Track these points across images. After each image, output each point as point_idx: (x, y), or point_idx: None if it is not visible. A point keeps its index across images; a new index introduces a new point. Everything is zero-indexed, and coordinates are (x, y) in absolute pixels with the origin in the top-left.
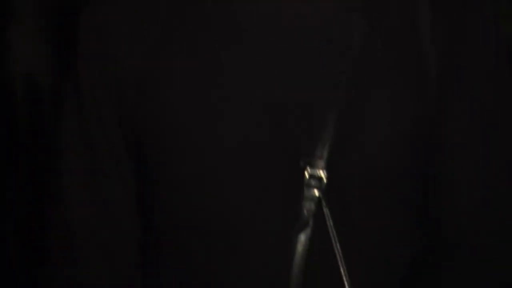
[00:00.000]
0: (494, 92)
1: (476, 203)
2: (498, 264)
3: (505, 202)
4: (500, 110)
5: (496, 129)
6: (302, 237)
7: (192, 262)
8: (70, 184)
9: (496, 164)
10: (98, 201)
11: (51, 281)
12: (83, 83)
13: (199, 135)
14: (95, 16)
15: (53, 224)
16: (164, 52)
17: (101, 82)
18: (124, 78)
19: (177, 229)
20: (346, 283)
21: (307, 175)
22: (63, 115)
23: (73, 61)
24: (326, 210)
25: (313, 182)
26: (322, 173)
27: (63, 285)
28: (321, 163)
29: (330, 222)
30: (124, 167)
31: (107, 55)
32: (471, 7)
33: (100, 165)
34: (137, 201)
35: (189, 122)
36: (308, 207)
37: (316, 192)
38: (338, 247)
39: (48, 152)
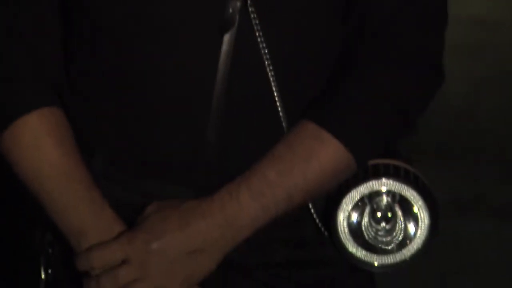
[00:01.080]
0: None
1: None
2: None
3: None
4: None
5: None
6: (227, 37)
7: (117, 55)
8: None
9: None
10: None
11: None
12: None
13: None
14: None
15: None
16: None
17: None
18: None
19: (102, 29)
20: (272, 82)
21: None
22: None
23: None
24: (251, 9)
25: None
26: None
27: None
28: None
29: (255, 21)
30: None
31: None
32: None
33: None
34: None
35: None
36: (233, 6)
37: None
38: (264, 46)
39: None
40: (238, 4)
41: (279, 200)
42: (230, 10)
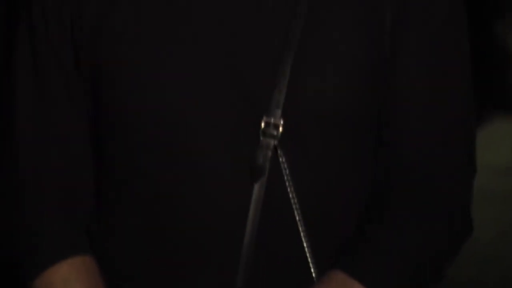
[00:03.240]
0: (445, 37)
1: (426, 141)
2: (444, 200)
3: (453, 138)
4: (450, 55)
5: (447, 73)
6: (257, 187)
7: (148, 201)
8: (21, 106)
9: (444, 104)
10: (48, 126)
11: None
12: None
13: (155, 75)
14: None
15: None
16: None
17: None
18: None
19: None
20: (302, 232)
21: (263, 124)
22: (16, 38)
23: None
24: (282, 159)
25: (269, 130)
26: (278, 121)
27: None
28: (278, 111)
29: (286, 171)
30: (75, 89)
31: None
32: None
33: (48, 83)
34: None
35: (144, 62)
36: (264, 155)
37: (272, 141)
38: (294, 196)
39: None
40: (269, 153)
41: None
42: (261, 159)
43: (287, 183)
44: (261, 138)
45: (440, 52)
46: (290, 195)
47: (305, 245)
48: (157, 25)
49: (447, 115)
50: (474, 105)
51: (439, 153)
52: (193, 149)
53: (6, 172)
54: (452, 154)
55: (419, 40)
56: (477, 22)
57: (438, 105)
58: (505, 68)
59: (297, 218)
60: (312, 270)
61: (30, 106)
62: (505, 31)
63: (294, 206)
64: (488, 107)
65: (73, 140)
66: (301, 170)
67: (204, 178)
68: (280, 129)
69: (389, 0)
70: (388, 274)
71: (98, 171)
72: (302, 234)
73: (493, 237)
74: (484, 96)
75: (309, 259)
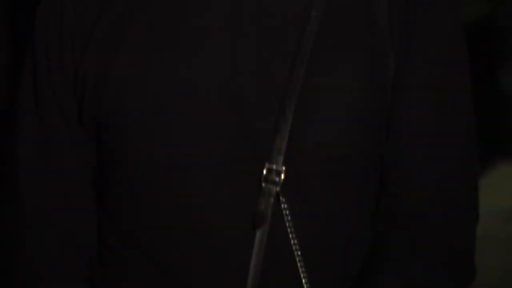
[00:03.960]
0: (448, 81)
1: (428, 186)
2: (443, 241)
3: (455, 183)
4: (453, 102)
5: (449, 119)
6: (259, 233)
7: (150, 248)
8: (24, 152)
9: (447, 149)
10: (52, 173)
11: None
12: (39, 55)
13: (158, 124)
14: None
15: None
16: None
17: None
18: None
19: (138, 221)
20: (303, 279)
21: (265, 170)
22: (20, 88)
23: (30, 40)
24: (284, 205)
25: (271, 177)
26: (280, 168)
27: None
28: (280, 158)
29: (288, 218)
30: (78, 139)
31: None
32: None
33: (52, 133)
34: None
35: (147, 110)
36: (266, 202)
37: (274, 187)
38: (296, 242)
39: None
40: (271, 200)
41: None
42: (263, 206)
43: (289, 229)
44: (263, 184)
45: (443, 99)
46: (292, 242)
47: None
48: (160, 73)
49: (450, 160)
50: (477, 150)
51: (442, 199)
52: (195, 195)
53: (8, 218)
54: (455, 199)
55: (421, 89)
56: (480, 67)
57: (441, 151)
58: (508, 113)
59: (298, 264)
60: None
61: (33, 157)
62: (508, 76)
63: (296, 253)
64: (490, 151)
65: (76, 190)
66: (303, 215)
67: (206, 224)
68: (282, 175)
69: (392, 48)
70: None
71: (101, 221)
72: (303, 280)
73: (496, 283)
74: (486, 140)
75: None
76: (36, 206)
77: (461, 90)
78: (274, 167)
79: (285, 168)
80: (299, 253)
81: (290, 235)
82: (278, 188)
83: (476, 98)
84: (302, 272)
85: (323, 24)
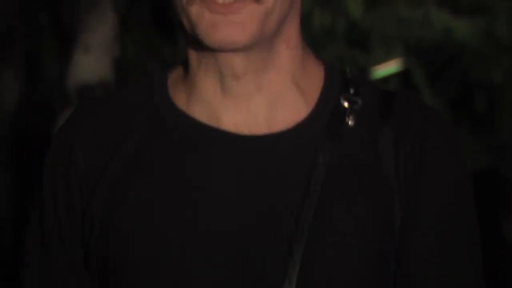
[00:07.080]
0: (453, 228)
1: None
2: None
3: None
4: (460, 246)
5: (455, 261)
6: None
7: None
8: None
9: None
10: None
11: None
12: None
13: (164, 270)
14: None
15: None
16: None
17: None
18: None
19: None
20: None
21: None
22: (27, 237)
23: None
24: None
25: None
26: None
27: None
28: None
29: None
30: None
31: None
32: (432, 144)
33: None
34: None
35: (153, 249)
36: None
37: None
38: None
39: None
40: None
41: None
42: None
43: None
44: None
45: (449, 250)
46: None
47: None
48: (166, 221)
49: None
50: None
51: None
52: None
53: None
54: None
55: (427, 240)
56: (487, 215)
57: None
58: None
59: None
60: None
61: None
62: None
63: None
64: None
65: None
66: None
67: None
68: None
69: (399, 200)
70: None
71: None
72: None
73: None
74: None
75: None
76: None
77: (468, 244)
78: None
79: None
80: None
81: None
82: None
83: (483, 243)
84: None
85: (330, 170)
